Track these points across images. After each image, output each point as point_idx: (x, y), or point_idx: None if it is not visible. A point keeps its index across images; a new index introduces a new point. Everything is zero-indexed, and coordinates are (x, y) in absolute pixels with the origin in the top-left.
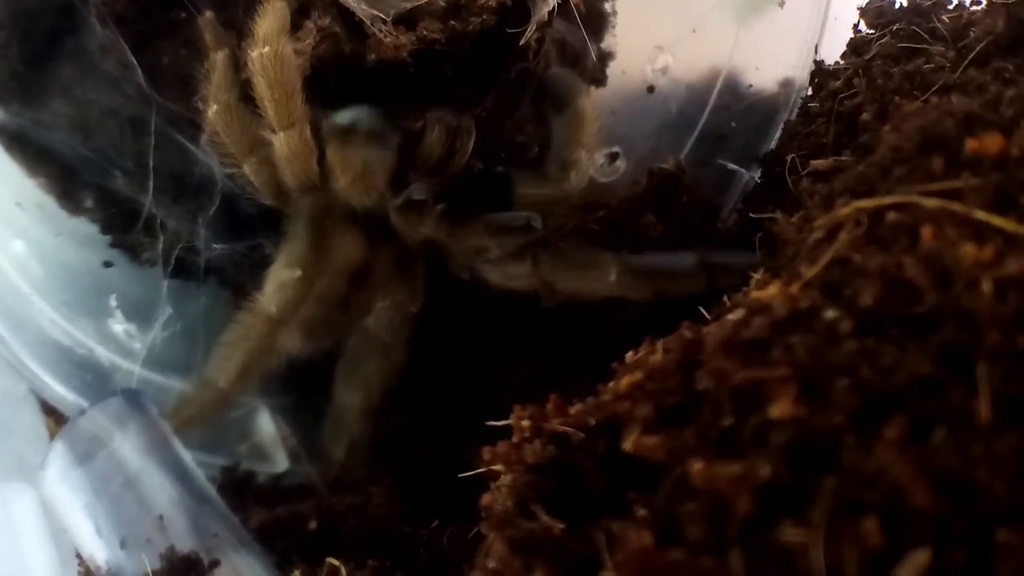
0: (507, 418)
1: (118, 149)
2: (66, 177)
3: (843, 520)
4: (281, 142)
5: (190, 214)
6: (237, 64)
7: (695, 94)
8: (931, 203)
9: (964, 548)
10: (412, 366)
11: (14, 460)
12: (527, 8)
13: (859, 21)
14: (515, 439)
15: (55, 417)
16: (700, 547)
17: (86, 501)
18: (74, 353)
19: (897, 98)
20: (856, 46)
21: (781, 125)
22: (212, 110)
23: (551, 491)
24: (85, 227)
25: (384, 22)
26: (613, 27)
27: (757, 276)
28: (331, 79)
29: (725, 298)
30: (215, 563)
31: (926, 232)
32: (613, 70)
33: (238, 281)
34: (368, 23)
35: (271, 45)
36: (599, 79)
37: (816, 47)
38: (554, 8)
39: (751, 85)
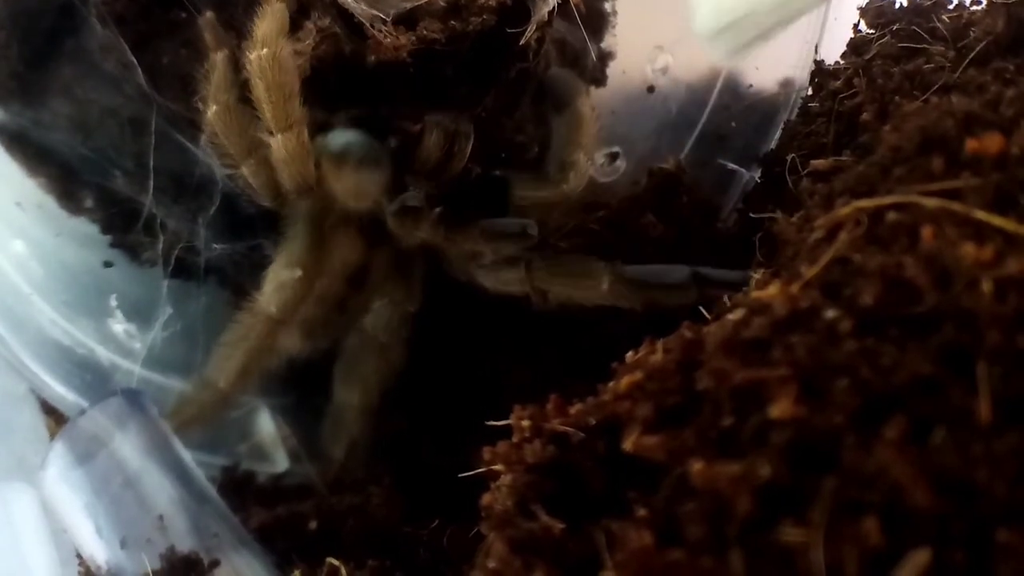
0: (507, 418)
1: (118, 149)
2: (66, 177)
3: (843, 520)
4: (279, 144)
5: (190, 214)
6: (237, 65)
7: (695, 94)
8: (931, 203)
9: (964, 548)
10: (412, 366)
11: (14, 460)
12: (527, 8)
13: (859, 21)
14: (515, 439)
15: (55, 417)
16: (700, 547)
17: (86, 501)
18: (74, 353)
19: (897, 98)
20: (856, 46)
21: (781, 125)
22: (211, 111)
23: (551, 491)
24: (85, 227)
25: (384, 22)
26: (613, 27)
27: (757, 276)
28: (331, 79)
29: (725, 298)
30: (215, 563)
31: (926, 232)
32: (613, 70)
33: (238, 281)
34: (368, 24)
35: (269, 47)
36: (599, 79)
37: (816, 47)
38: (554, 8)
39: (751, 85)
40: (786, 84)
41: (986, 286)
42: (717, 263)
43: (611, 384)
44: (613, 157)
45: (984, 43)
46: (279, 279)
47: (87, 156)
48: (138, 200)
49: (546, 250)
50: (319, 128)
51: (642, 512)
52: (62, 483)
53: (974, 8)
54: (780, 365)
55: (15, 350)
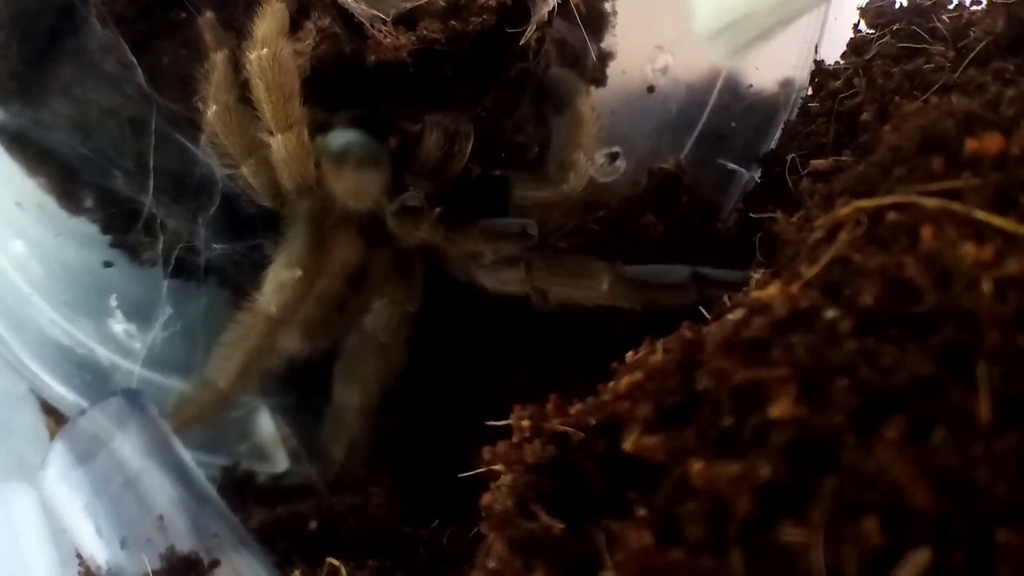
0: (507, 418)
1: (118, 149)
2: (66, 177)
3: (843, 520)
4: (279, 144)
5: (190, 214)
6: (237, 65)
7: (695, 94)
8: (931, 203)
9: (964, 548)
10: (412, 366)
11: (14, 460)
12: (527, 8)
13: (859, 21)
14: (515, 439)
15: (55, 417)
16: (700, 547)
17: (86, 501)
18: (74, 353)
19: (897, 98)
20: (856, 46)
21: (781, 125)
22: (211, 111)
23: (551, 491)
24: (85, 227)
25: (384, 22)
26: (613, 27)
27: (757, 276)
28: (331, 79)
29: (725, 298)
30: (215, 563)
31: (926, 232)
32: (613, 70)
33: (238, 281)
34: (368, 24)
35: (269, 47)
36: (599, 79)
37: (816, 47)
38: (554, 8)
39: (751, 85)
40: (786, 84)
41: (986, 286)
42: (717, 263)
43: (611, 384)
44: (613, 157)
45: (984, 43)
46: (279, 279)
47: (87, 156)
48: (138, 200)
49: (546, 250)
50: (319, 128)
51: (642, 512)
52: (62, 483)
53: (974, 8)
54: (780, 365)
55: (15, 350)
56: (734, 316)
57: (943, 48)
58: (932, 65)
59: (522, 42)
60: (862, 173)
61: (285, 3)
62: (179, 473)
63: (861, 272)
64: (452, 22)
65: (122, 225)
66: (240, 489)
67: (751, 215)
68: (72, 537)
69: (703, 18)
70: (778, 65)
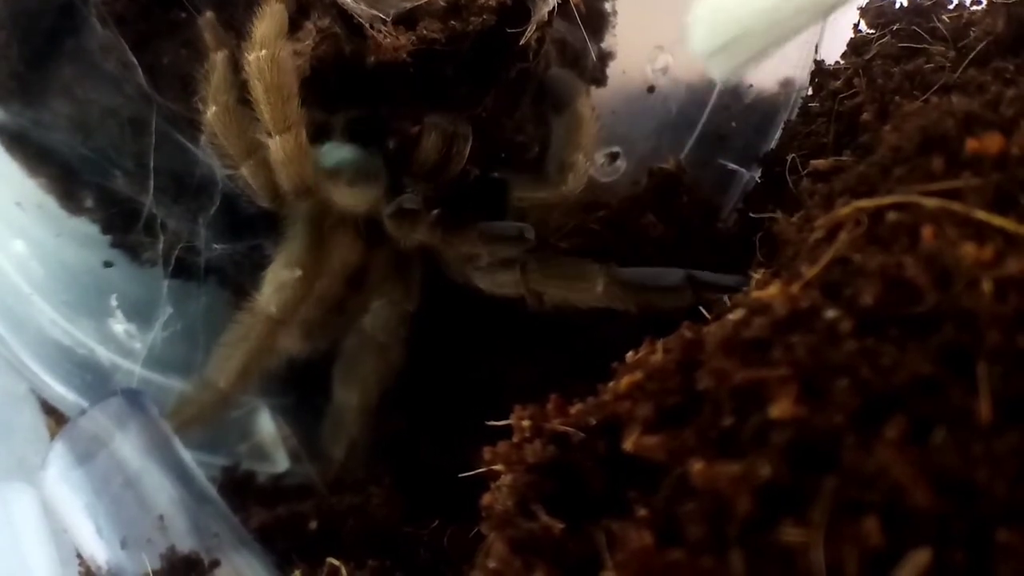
0: (507, 418)
1: (118, 149)
2: (66, 177)
3: (843, 520)
4: (277, 146)
5: (190, 214)
6: (237, 65)
7: (695, 94)
8: (931, 203)
9: (964, 548)
10: (413, 366)
11: (14, 460)
12: (527, 8)
13: (859, 21)
14: (515, 439)
15: (55, 417)
16: (700, 547)
17: (86, 501)
18: (74, 353)
19: (897, 98)
20: (856, 46)
21: (781, 125)
22: (211, 111)
23: (551, 491)
24: (85, 227)
25: (384, 22)
26: (613, 27)
27: (757, 276)
28: (331, 80)
29: (725, 298)
30: (215, 563)
31: (926, 232)
32: (613, 70)
33: (238, 281)
34: (367, 24)
35: (268, 48)
36: (599, 79)
37: (816, 47)
38: (554, 8)
39: (751, 85)
40: (786, 84)
41: (986, 286)
42: (717, 263)
43: (611, 384)
44: (613, 157)
45: (984, 43)
46: (279, 279)
47: (87, 156)
48: (138, 200)
49: (546, 250)
50: (319, 129)
51: (642, 512)
52: (62, 483)
53: (974, 8)
54: (780, 365)
55: (15, 350)
56: (734, 316)
57: (943, 48)
58: (932, 65)
59: (522, 42)
60: (862, 173)
61: (284, 4)
62: (179, 473)
63: (861, 272)
64: (452, 22)
65: (122, 225)
66: (240, 489)
67: (751, 215)
68: (72, 537)
69: (699, 37)
70: (778, 65)
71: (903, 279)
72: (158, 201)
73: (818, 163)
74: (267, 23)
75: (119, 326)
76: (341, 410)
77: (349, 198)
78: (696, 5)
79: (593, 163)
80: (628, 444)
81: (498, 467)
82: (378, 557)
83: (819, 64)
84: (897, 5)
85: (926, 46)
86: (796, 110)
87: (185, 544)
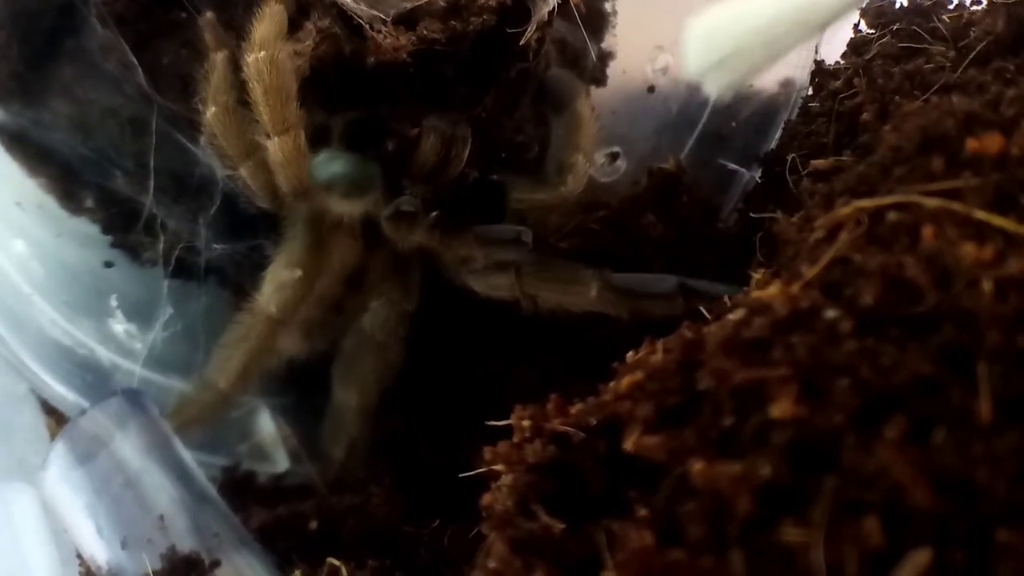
0: (508, 418)
1: (119, 149)
2: (67, 177)
3: (843, 520)
4: (275, 147)
5: (191, 214)
6: (237, 65)
7: (695, 94)
8: (931, 203)
9: (964, 548)
10: (413, 367)
11: (14, 460)
12: (527, 8)
13: (859, 21)
14: (516, 439)
15: (56, 417)
16: (701, 547)
17: (87, 501)
18: (75, 353)
19: (897, 98)
20: (856, 46)
21: (781, 125)
22: (211, 112)
23: (552, 491)
24: (86, 227)
25: (384, 23)
26: (613, 27)
27: (758, 276)
28: (330, 80)
29: (726, 298)
30: (216, 563)
31: (926, 232)
32: (613, 70)
33: (238, 281)
34: (367, 24)
35: (267, 50)
36: (599, 79)
37: (816, 47)
38: (554, 8)
39: (751, 85)
40: (786, 84)
41: (986, 286)
42: (717, 263)
43: (612, 384)
44: (613, 157)
45: (984, 43)
46: (279, 279)
47: (87, 156)
48: (139, 200)
49: (545, 251)
50: (318, 130)
51: (643, 512)
52: (63, 483)
53: (974, 8)
54: (780, 365)
55: (16, 350)
56: (735, 316)
57: (943, 48)
58: (932, 65)
59: (522, 42)
60: (862, 173)
61: (284, 5)
62: (180, 473)
63: (861, 272)
64: (452, 22)
65: (123, 225)
66: (240, 489)
67: (751, 215)
68: (73, 537)
69: (694, 55)
70: (778, 65)
71: (903, 279)
72: (158, 201)
73: (818, 163)
74: (266, 24)
75: (119, 326)
76: (341, 410)
77: (344, 208)
78: (690, 24)
79: (593, 163)
80: (628, 444)
81: (498, 467)
82: (378, 557)
83: (819, 64)
84: (897, 5)
85: (926, 46)
86: (796, 110)
87: (185, 544)
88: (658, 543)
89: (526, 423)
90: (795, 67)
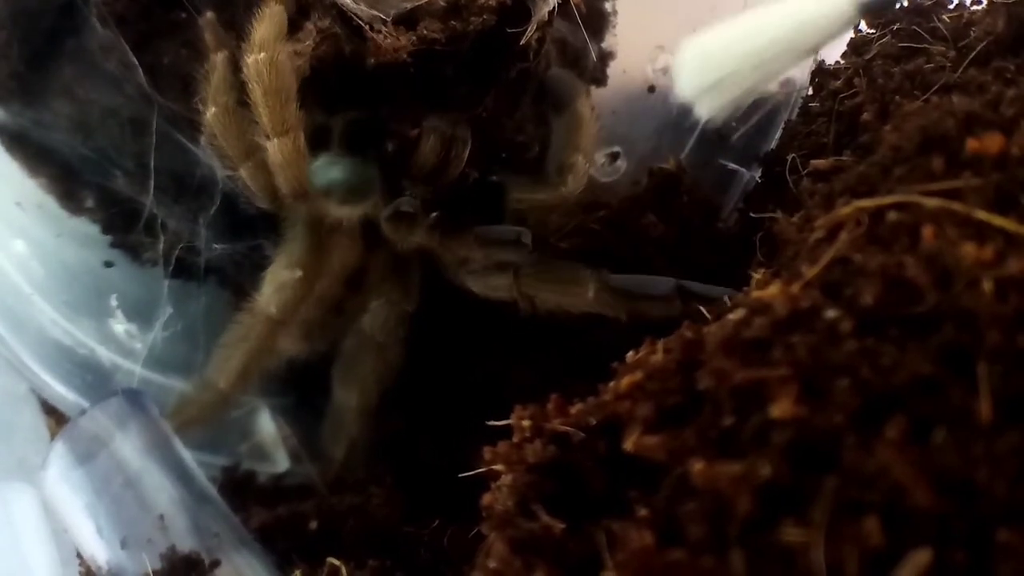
0: (508, 418)
1: (119, 149)
2: (67, 177)
3: (844, 520)
4: (275, 149)
5: (191, 214)
6: (237, 66)
7: None
8: (932, 203)
9: (965, 548)
10: (413, 367)
11: (14, 460)
12: (527, 8)
13: (860, 21)
14: (516, 439)
15: (56, 417)
16: (701, 547)
17: (87, 501)
18: (75, 353)
19: (898, 98)
20: (857, 46)
21: (782, 125)
22: (211, 112)
23: (552, 491)
24: (86, 227)
25: (384, 23)
26: (614, 27)
27: (758, 276)
28: (331, 80)
29: (726, 298)
30: (216, 563)
31: (927, 232)
32: (614, 70)
33: (239, 281)
34: (367, 25)
35: (267, 51)
36: (600, 79)
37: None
38: (554, 8)
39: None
40: (786, 84)
41: (987, 286)
42: (718, 263)
43: (612, 384)
44: (614, 157)
45: (985, 43)
46: (279, 279)
47: (88, 156)
48: (139, 200)
49: (545, 251)
50: (318, 131)
51: (643, 512)
52: (63, 483)
53: (975, 8)
54: (781, 365)
55: (16, 350)
56: (735, 316)
57: (944, 48)
58: (933, 65)
59: (522, 42)
60: (863, 173)
61: (283, 6)
62: (180, 473)
63: (862, 272)
64: (452, 22)
65: (123, 225)
66: (241, 489)
67: (752, 215)
68: (73, 537)
69: (686, 79)
70: None
71: (903, 279)
72: (158, 201)
73: (818, 163)
74: (266, 25)
75: (119, 326)
76: (341, 410)
77: (342, 212)
78: (681, 49)
79: (593, 164)
80: (628, 444)
81: (498, 467)
82: (378, 557)
83: (819, 64)
84: (897, 5)
85: (926, 46)
86: (796, 110)
87: (185, 544)
88: (658, 543)
89: (526, 423)
90: (796, 67)
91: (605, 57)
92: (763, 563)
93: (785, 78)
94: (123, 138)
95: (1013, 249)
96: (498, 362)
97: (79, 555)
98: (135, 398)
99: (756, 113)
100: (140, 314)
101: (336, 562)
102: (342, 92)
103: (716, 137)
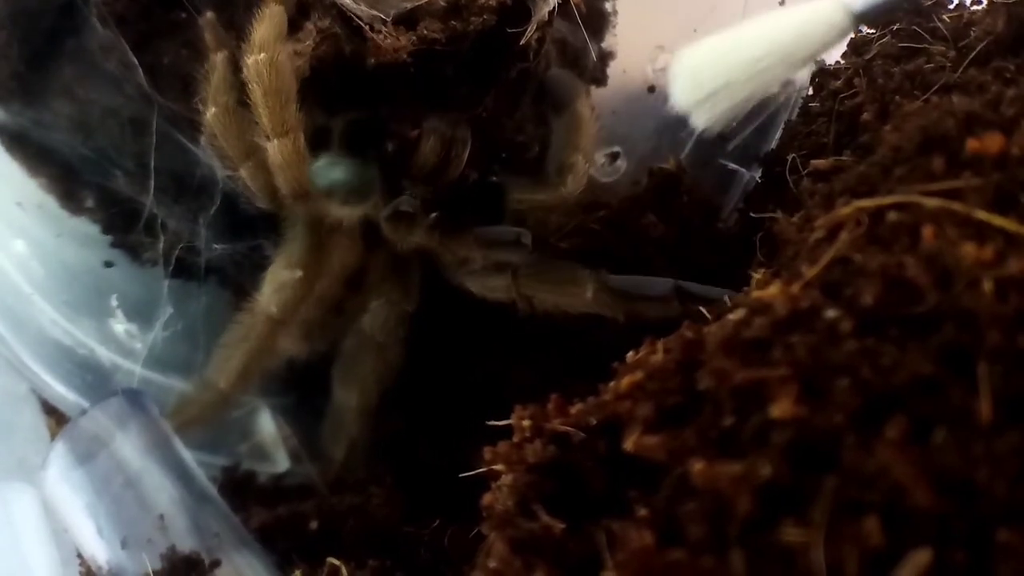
0: (508, 418)
1: (119, 149)
2: (67, 177)
3: (844, 520)
4: (275, 150)
5: (191, 214)
6: (237, 66)
7: None
8: (932, 203)
9: (964, 548)
10: (413, 367)
11: (15, 460)
12: (527, 8)
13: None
14: (516, 439)
15: (56, 417)
16: (701, 547)
17: (87, 501)
18: (75, 353)
19: (898, 98)
20: (857, 46)
21: (782, 125)
22: (211, 112)
23: (552, 491)
24: (86, 227)
25: (384, 23)
26: (614, 27)
27: (758, 276)
28: (331, 80)
29: (726, 298)
30: (216, 563)
31: (927, 232)
32: (614, 70)
33: (239, 281)
34: (367, 25)
35: (267, 52)
36: (600, 79)
37: None
38: (554, 8)
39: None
40: (786, 84)
41: (987, 286)
42: (718, 263)
43: (612, 384)
44: (614, 157)
45: (985, 43)
46: (279, 279)
47: (88, 156)
48: (139, 200)
49: (544, 252)
50: (318, 132)
51: (643, 512)
52: (63, 483)
53: (975, 8)
54: (781, 365)
55: (16, 350)
56: (735, 316)
57: (944, 48)
58: (933, 65)
59: (522, 42)
60: (863, 173)
61: (283, 6)
62: (180, 473)
63: (862, 272)
64: (452, 22)
65: (123, 225)
66: (241, 489)
67: (752, 215)
68: (73, 537)
69: (680, 90)
70: None
71: (903, 279)
72: (159, 201)
73: (818, 163)
74: (266, 26)
75: (120, 326)
76: (341, 410)
77: (343, 213)
78: (675, 60)
79: (593, 164)
80: (629, 444)
81: (498, 467)
82: (378, 557)
83: (820, 64)
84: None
85: (926, 46)
86: (796, 110)
87: (186, 544)
88: (658, 543)
89: (526, 423)
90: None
91: (605, 57)
92: (763, 563)
93: (786, 78)
94: (123, 138)
95: (1013, 249)
96: (498, 362)
97: (79, 555)
98: (135, 398)
99: (756, 114)
100: (140, 314)
101: (336, 562)
102: (342, 92)
103: (716, 137)
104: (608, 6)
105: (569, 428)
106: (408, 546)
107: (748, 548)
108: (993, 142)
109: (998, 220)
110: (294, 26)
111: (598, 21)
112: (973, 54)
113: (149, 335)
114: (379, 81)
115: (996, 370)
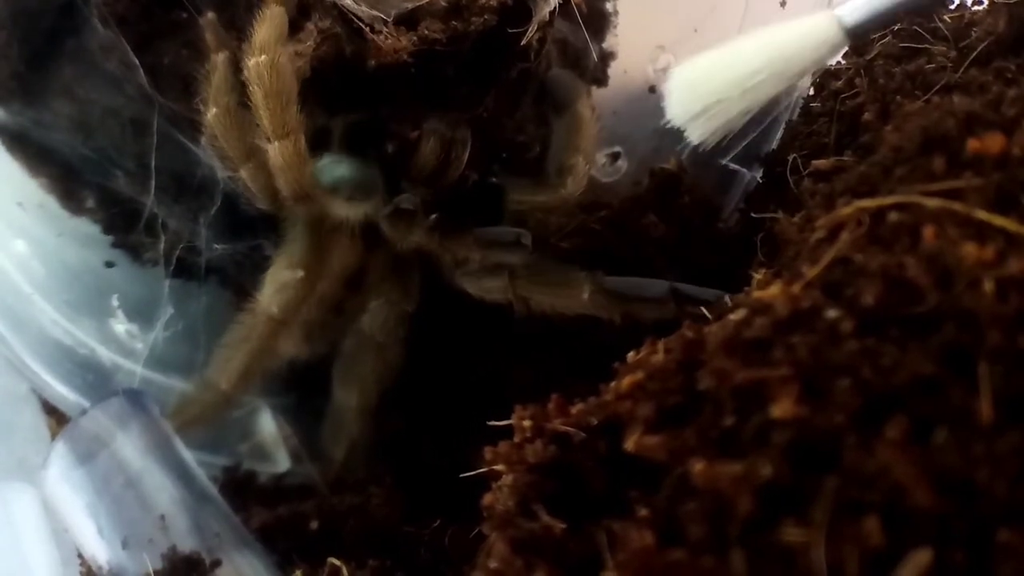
0: (508, 418)
1: (120, 149)
2: (67, 177)
3: (844, 520)
4: (275, 151)
5: (191, 214)
6: (238, 67)
7: None
8: (933, 203)
9: (965, 548)
10: (414, 367)
11: (15, 460)
12: (528, 8)
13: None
14: (516, 439)
15: (56, 417)
16: (701, 547)
17: (87, 501)
18: (76, 353)
19: (899, 98)
20: (858, 46)
21: (783, 125)
22: (211, 113)
23: (552, 491)
24: (87, 227)
25: (385, 23)
26: (614, 27)
27: (759, 276)
28: (331, 81)
29: (726, 298)
30: (217, 563)
31: (927, 232)
32: (614, 70)
33: (239, 281)
34: (368, 26)
35: (267, 54)
36: (600, 79)
37: None
38: (555, 8)
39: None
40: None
41: (987, 286)
42: (718, 263)
43: (612, 384)
44: (615, 157)
45: (986, 43)
46: (280, 280)
47: (88, 156)
48: (139, 200)
49: (545, 252)
50: (319, 133)
51: (643, 512)
52: (63, 483)
53: (976, 8)
54: (781, 365)
55: (17, 350)
56: (735, 316)
57: (945, 48)
58: (934, 65)
59: (523, 42)
60: (863, 173)
61: (284, 7)
62: (181, 473)
63: (862, 272)
64: (453, 22)
65: (124, 225)
66: (241, 489)
67: (753, 215)
68: (73, 537)
69: (675, 105)
70: None
71: (904, 279)
72: (159, 201)
73: (819, 163)
74: (267, 27)
75: (120, 326)
76: (341, 410)
77: (347, 211)
78: (670, 76)
79: (593, 164)
80: (629, 444)
81: (499, 467)
82: (379, 557)
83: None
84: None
85: (927, 46)
86: (797, 110)
87: (186, 544)
88: (659, 543)
89: (527, 423)
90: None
91: (606, 57)
92: (763, 563)
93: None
94: (124, 138)
95: (1014, 249)
96: (498, 362)
97: (80, 555)
98: (136, 398)
99: (759, 120)
100: (141, 314)
101: (337, 562)
102: (343, 93)
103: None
104: (609, 6)
105: (570, 428)
106: (408, 546)
107: (749, 548)
108: (994, 142)
109: (999, 220)
110: (295, 26)
111: (599, 21)
112: (974, 54)
113: (150, 335)
114: (380, 82)
115: (997, 370)
